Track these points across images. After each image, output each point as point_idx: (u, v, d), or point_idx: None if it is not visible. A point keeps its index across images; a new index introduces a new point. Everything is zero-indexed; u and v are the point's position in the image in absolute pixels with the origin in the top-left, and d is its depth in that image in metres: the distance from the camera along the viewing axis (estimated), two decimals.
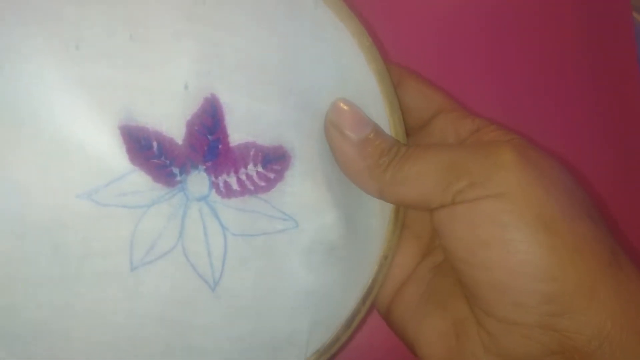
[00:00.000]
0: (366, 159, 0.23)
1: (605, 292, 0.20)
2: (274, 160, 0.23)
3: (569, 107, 0.38)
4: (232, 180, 0.22)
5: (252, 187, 0.23)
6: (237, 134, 0.22)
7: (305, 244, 0.23)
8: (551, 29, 0.38)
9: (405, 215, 0.27)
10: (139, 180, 0.21)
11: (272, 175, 0.23)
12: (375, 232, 0.25)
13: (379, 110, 0.25)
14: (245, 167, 0.23)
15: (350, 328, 0.25)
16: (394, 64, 0.27)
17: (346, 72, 0.24)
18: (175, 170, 0.21)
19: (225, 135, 0.22)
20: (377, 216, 0.25)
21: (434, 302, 0.25)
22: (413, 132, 0.27)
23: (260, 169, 0.23)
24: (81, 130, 0.20)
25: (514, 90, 0.38)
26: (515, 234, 0.21)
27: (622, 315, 0.20)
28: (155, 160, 0.21)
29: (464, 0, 0.38)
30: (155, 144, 0.21)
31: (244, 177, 0.23)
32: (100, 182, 0.20)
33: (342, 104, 0.24)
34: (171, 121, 0.21)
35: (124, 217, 0.20)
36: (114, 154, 0.20)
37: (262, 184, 0.23)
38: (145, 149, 0.21)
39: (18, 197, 0.19)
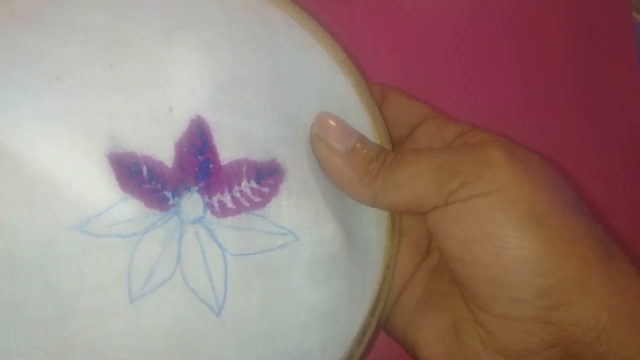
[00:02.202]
0: (355, 168, 0.23)
1: (600, 284, 0.20)
2: (268, 175, 0.23)
3: (569, 107, 0.38)
4: (227, 199, 0.22)
5: (247, 204, 0.22)
6: (227, 152, 0.22)
7: (307, 257, 0.23)
8: (551, 29, 0.39)
9: (400, 223, 0.26)
10: (131, 208, 0.20)
11: (266, 190, 0.23)
12: (374, 241, 0.25)
13: (362, 120, 0.25)
14: (239, 185, 0.22)
15: (362, 343, 0.24)
16: (376, 83, 0.27)
17: (326, 86, 0.24)
18: (168, 194, 0.21)
19: (215, 155, 0.22)
20: (374, 225, 0.25)
21: (432, 304, 0.25)
22: (398, 143, 0.27)
23: (254, 184, 0.22)
24: (67, 162, 0.20)
25: (513, 91, 0.38)
26: (509, 230, 0.21)
27: (617, 307, 0.20)
28: (147, 186, 0.21)
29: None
30: (145, 169, 0.21)
31: (238, 195, 0.22)
32: (91, 213, 0.20)
33: (325, 117, 0.24)
34: (159, 145, 0.21)
35: (118, 247, 0.20)
36: (103, 183, 0.20)
37: (258, 199, 0.22)
38: (135, 174, 0.20)
39: (4, 236, 0.19)
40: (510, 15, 0.38)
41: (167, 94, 0.21)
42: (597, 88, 0.39)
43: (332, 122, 0.24)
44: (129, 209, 0.20)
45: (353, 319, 0.24)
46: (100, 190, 0.20)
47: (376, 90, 0.27)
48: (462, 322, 0.23)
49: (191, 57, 0.22)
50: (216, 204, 0.22)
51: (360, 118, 0.25)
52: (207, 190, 0.22)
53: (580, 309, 0.20)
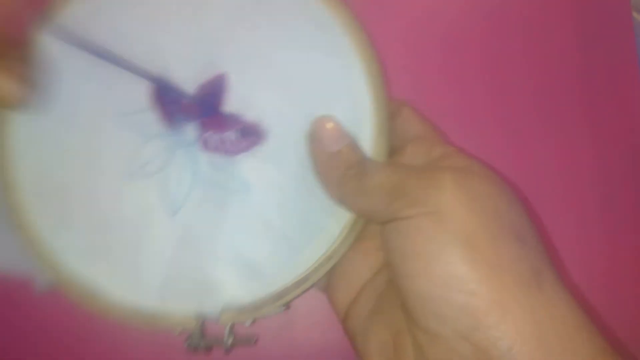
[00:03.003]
0: (335, 169, 0.27)
1: (518, 310, 0.21)
2: (249, 134, 0.28)
3: (569, 107, 0.39)
4: (215, 138, 0.29)
5: (224, 148, 0.28)
6: (230, 106, 0.28)
7: (249, 211, 0.28)
8: (551, 29, 0.39)
9: (363, 229, 0.28)
10: (153, 117, 0.29)
11: (243, 145, 0.28)
12: (327, 232, 0.28)
13: (366, 131, 0.28)
14: (225, 132, 0.29)
15: (277, 302, 0.28)
16: (396, 99, 0.29)
17: (344, 90, 0.28)
18: (179, 117, 0.29)
19: (221, 104, 0.29)
20: (335, 220, 0.28)
21: (380, 314, 0.27)
22: (392, 152, 0.29)
23: (237, 136, 0.28)
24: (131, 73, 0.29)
25: (513, 91, 0.37)
26: (439, 247, 0.22)
27: (532, 335, 0.21)
28: (167, 106, 0.29)
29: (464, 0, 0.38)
30: (172, 94, 0.29)
31: (223, 139, 0.29)
32: (129, 110, 0.29)
33: (325, 119, 0.28)
34: (189, 82, 0.29)
35: (133, 139, 0.29)
36: (143, 94, 0.29)
37: (233, 148, 0.28)
38: (164, 95, 0.29)
39: (75, 99, 0.29)
40: (510, 15, 0.39)
41: (214, 53, 0.29)
42: (597, 88, 0.39)
43: (329, 123, 0.27)
44: (151, 117, 0.29)
45: (275, 281, 0.28)
46: (139, 98, 0.29)
47: (394, 103, 0.30)
48: (401, 336, 0.25)
49: (240, 32, 0.29)
50: (206, 139, 0.29)
51: (365, 128, 0.29)
52: (203, 126, 0.29)
53: (498, 331, 0.21)
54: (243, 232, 0.28)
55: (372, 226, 0.29)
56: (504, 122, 0.38)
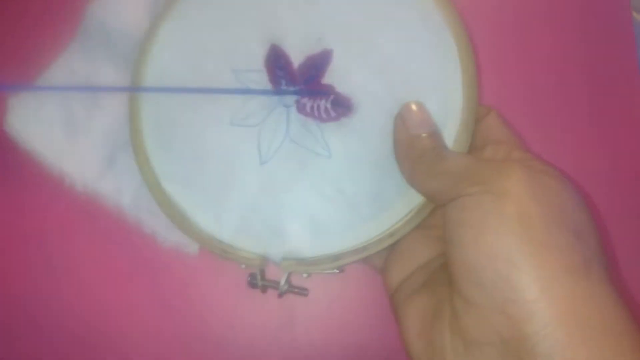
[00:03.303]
0: (413, 150, 0.29)
1: (560, 291, 0.21)
2: (340, 105, 0.31)
3: (569, 107, 0.39)
4: (309, 104, 0.32)
5: (317, 114, 0.32)
6: (329, 77, 0.32)
7: (327, 175, 0.31)
8: (551, 28, 0.39)
9: (429, 218, 0.30)
10: (262, 77, 0.33)
11: (333, 114, 0.32)
12: (394, 211, 0.30)
13: (452, 125, 0.30)
14: (320, 100, 0.32)
15: (332, 263, 0.31)
16: (485, 104, 0.31)
17: (439, 85, 0.30)
18: (284, 81, 0.33)
19: (322, 75, 0.32)
20: (405, 201, 0.30)
21: (427, 287, 0.28)
22: (471, 150, 0.31)
23: (328, 105, 0.32)
24: (251, 38, 0.33)
25: (512, 90, 0.37)
26: (493, 220, 0.23)
27: (570, 318, 0.21)
28: (277, 70, 0.33)
29: None
30: (282, 61, 0.33)
31: (316, 106, 0.32)
32: (245, 67, 0.33)
33: (414, 105, 0.30)
34: (299, 52, 0.33)
35: (241, 95, 0.33)
36: (259, 57, 0.33)
37: (324, 116, 0.32)
38: (275, 60, 0.33)
39: (203, 52, 0.34)
40: (510, 15, 0.39)
41: (327, 29, 0.32)
42: (596, 88, 0.39)
43: (417, 110, 0.30)
44: (261, 77, 0.33)
45: (334, 243, 0.31)
46: (256, 59, 0.33)
47: (484, 108, 0.31)
48: (442, 304, 0.26)
49: (360, 20, 0.32)
50: (301, 103, 0.32)
51: (454, 122, 0.30)
52: (302, 92, 0.32)
53: (536, 307, 0.21)
54: (317, 193, 0.31)
55: (437, 219, 0.31)
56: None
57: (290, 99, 0.32)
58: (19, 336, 0.38)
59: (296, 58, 0.32)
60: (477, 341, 0.23)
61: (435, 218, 0.31)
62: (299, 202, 0.31)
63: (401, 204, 0.30)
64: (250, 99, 0.33)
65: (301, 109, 0.32)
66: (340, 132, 0.31)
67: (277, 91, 0.32)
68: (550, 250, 0.22)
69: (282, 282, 0.33)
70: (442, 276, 0.28)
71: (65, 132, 0.37)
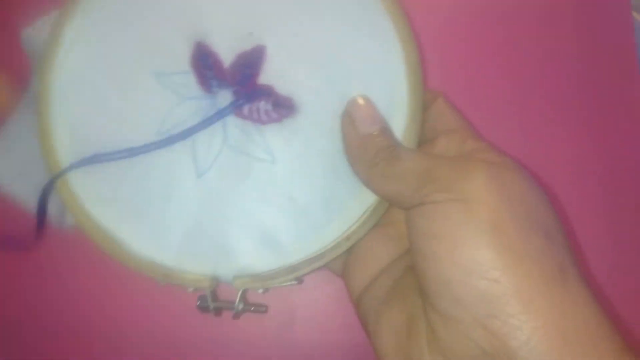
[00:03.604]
0: (366, 151, 0.27)
1: (541, 302, 0.21)
2: (282, 106, 0.29)
3: (569, 108, 0.39)
4: (247, 107, 0.29)
5: (256, 117, 0.29)
6: (265, 77, 0.29)
7: (272, 182, 0.28)
8: (551, 28, 0.39)
9: (385, 216, 0.29)
10: (190, 79, 0.30)
11: (274, 116, 0.29)
12: (348, 213, 0.28)
13: (401, 116, 0.28)
14: (259, 101, 0.29)
15: (289, 275, 0.29)
16: (431, 89, 0.30)
17: (382, 75, 0.29)
18: (214, 82, 0.30)
19: (257, 74, 0.29)
20: (358, 202, 0.28)
21: (396, 297, 0.27)
22: (422, 143, 0.29)
23: (269, 107, 0.29)
24: (173, 36, 0.30)
25: (512, 90, 0.37)
26: (465, 231, 0.22)
27: (553, 328, 0.21)
28: (205, 71, 0.30)
29: None
30: (210, 60, 0.30)
31: (255, 108, 0.29)
32: (168, 70, 0.30)
33: (361, 100, 0.28)
34: (228, 50, 0.29)
35: (169, 99, 0.29)
36: (184, 56, 0.30)
37: (265, 118, 0.29)
38: (201, 59, 0.30)
39: (120, 54, 0.30)
40: (510, 15, 0.39)
41: (257, 23, 0.29)
42: (596, 88, 0.39)
43: (364, 105, 0.28)
44: (188, 79, 0.30)
45: (289, 255, 0.29)
46: (179, 59, 0.30)
47: (429, 93, 0.30)
48: (415, 319, 0.25)
49: (290, 7, 0.29)
50: (238, 105, 0.29)
51: (401, 113, 0.29)
52: (238, 94, 0.29)
53: (519, 321, 0.21)
54: (265, 202, 0.29)
55: (394, 214, 0.29)
56: (503, 122, 0.38)
57: (225, 101, 0.29)
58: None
59: (226, 56, 0.29)
60: (458, 357, 0.22)
61: (392, 214, 0.29)
62: (246, 213, 0.29)
63: (355, 204, 0.29)
64: (178, 104, 0.29)
65: (238, 112, 0.29)
66: (284, 134, 0.29)
67: (218, 114, 0.29)
68: (527, 260, 0.21)
69: (237, 301, 0.30)
70: (410, 283, 0.26)
71: None
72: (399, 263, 0.28)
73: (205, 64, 0.29)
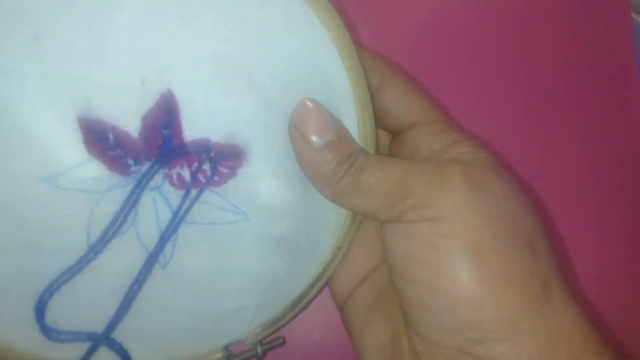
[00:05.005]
0: (324, 165, 0.23)
1: (525, 327, 0.21)
2: (228, 158, 0.24)
3: (568, 107, 0.38)
4: (186, 174, 0.24)
5: (204, 181, 0.24)
6: (192, 130, 0.23)
7: (253, 236, 0.25)
8: (550, 29, 0.38)
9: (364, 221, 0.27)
10: (96, 169, 0.22)
11: (225, 171, 0.24)
12: (331, 225, 0.26)
13: (348, 107, 0.24)
14: (199, 162, 0.23)
15: (296, 308, 0.27)
16: (381, 58, 0.26)
17: (317, 68, 0.24)
18: (130, 161, 0.23)
19: (179, 131, 0.23)
20: (336, 211, 0.26)
21: (380, 311, 0.26)
22: (394, 135, 0.27)
23: (213, 164, 0.24)
24: (42, 121, 0.22)
25: (512, 90, 0.37)
26: (446, 258, 0.21)
27: (538, 353, 0.20)
28: (111, 152, 0.23)
29: None
30: (111, 136, 0.22)
31: (196, 171, 0.24)
32: (61, 169, 0.22)
33: (306, 106, 0.23)
34: (127, 115, 0.22)
35: (82, 201, 0.23)
36: (72, 144, 0.22)
37: (216, 178, 0.24)
38: (102, 140, 0.22)
39: None
40: (509, 15, 0.38)
41: (142, 66, 0.22)
42: (596, 88, 0.38)
43: (312, 112, 0.23)
44: (93, 169, 0.23)
45: (292, 288, 0.27)
46: (69, 150, 0.22)
47: (378, 69, 0.26)
48: (399, 337, 0.24)
49: (172, 27, 0.22)
50: (175, 177, 0.24)
51: (347, 105, 0.25)
52: (168, 163, 0.23)
53: (504, 347, 0.21)
54: (252, 257, 0.25)
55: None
56: (503, 122, 0.37)
57: (156, 178, 0.24)
58: None
59: (129, 122, 0.23)
60: None
61: (368, 221, 0.28)
62: (234, 278, 0.26)
63: (334, 214, 0.27)
64: (97, 203, 0.23)
65: (179, 184, 0.24)
66: (244, 186, 0.24)
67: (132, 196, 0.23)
68: (510, 285, 0.21)
69: (256, 349, 0.29)
70: (393, 299, 0.26)
71: None
72: (382, 270, 0.27)
73: (106, 144, 0.23)
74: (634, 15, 0.39)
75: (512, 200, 0.22)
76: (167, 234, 0.24)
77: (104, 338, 0.24)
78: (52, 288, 0.23)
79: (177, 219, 0.24)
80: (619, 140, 0.39)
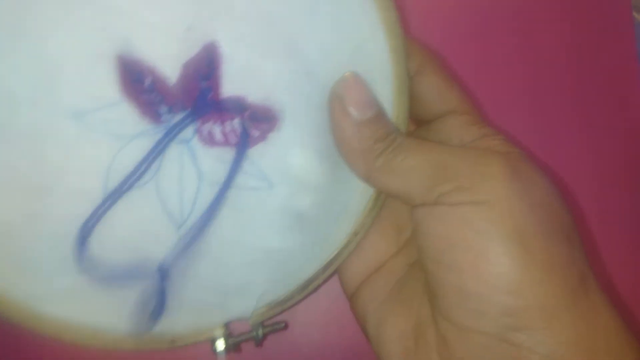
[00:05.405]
0: (362, 141, 0.23)
1: (566, 317, 0.20)
2: (261, 120, 0.23)
3: (569, 107, 0.38)
4: (217, 131, 0.23)
5: (234, 141, 0.23)
6: (230, 86, 0.22)
7: (274, 207, 0.24)
8: (551, 28, 0.38)
9: (386, 201, 0.26)
10: (127, 112, 0.22)
11: (256, 133, 0.23)
12: (351, 209, 0.25)
13: (385, 89, 0.24)
14: (232, 120, 0.23)
15: (305, 290, 0.26)
16: (421, 46, 0.25)
17: (361, 45, 0.23)
18: (163, 109, 0.22)
19: (217, 85, 0.22)
20: (358, 195, 0.25)
21: (401, 301, 0.25)
22: (420, 124, 0.27)
23: (245, 125, 0.23)
24: (80, 52, 0.21)
25: (512, 90, 0.37)
26: (490, 243, 0.21)
27: (576, 343, 0.20)
28: (145, 96, 0.22)
29: None
30: (148, 79, 0.22)
31: (228, 129, 0.23)
32: (90, 107, 0.21)
33: (351, 79, 0.23)
34: (168, 60, 0.22)
35: (105, 144, 0.22)
36: (107, 82, 0.21)
37: (244, 140, 0.23)
38: (138, 82, 0.22)
39: (7, 104, 0.21)
40: (510, 14, 0.38)
41: (191, 12, 0.21)
42: (596, 88, 0.39)
43: (356, 87, 0.23)
44: (124, 112, 0.22)
45: (304, 269, 0.26)
46: (102, 88, 0.21)
47: (417, 55, 0.25)
48: (424, 326, 0.23)
49: None
50: (205, 132, 0.23)
51: (385, 86, 0.24)
52: (202, 117, 0.23)
53: (542, 335, 0.20)
54: (270, 229, 0.24)
55: (391, 201, 0.27)
56: (503, 122, 0.35)
57: (187, 130, 0.23)
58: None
59: (168, 68, 0.22)
60: None
61: (389, 202, 0.27)
62: (248, 250, 0.25)
63: (356, 197, 0.26)
64: (121, 148, 0.22)
65: (209, 140, 0.23)
66: (273, 152, 0.24)
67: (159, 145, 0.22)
68: (553, 273, 0.21)
69: (256, 331, 0.27)
70: (415, 287, 0.25)
71: None
72: (399, 259, 0.27)
73: (142, 87, 0.22)
74: (634, 14, 0.39)
75: (551, 193, 0.22)
76: (189, 192, 0.23)
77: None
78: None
79: (201, 177, 0.23)
80: (619, 139, 0.39)
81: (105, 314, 0.24)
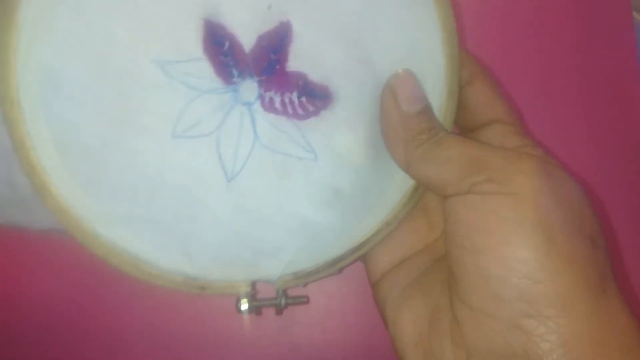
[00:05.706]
0: (407, 131, 0.25)
1: (583, 309, 0.21)
2: (317, 97, 0.26)
3: (569, 107, 0.39)
4: (277, 99, 0.26)
5: (291, 111, 0.26)
6: (295, 62, 0.25)
7: (316, 178, 0.26)
8: (551, 28, 0.39)
9: (422, 197, 0.28)
10: (204, 68, 0.25)
11: (310, 108, 0.26)
12: (387, 199, 0.27)
13: (436, 91, 0.26)
14: (291, 92, 0.25)
15: (331, 268, 0.27)
16: (474, 57, 0.27)
17: (419, 46, 0.26)
18: (235, 72, 0.25)
19: (285, 59, 0.25)
20: (396, 187, 0.27)
21: (420, 288, 0.26)
22: (464, 131, 0.28)
23: (303, 99, 0.26)
24: (174, 11, 0.24)
25: (512, 90, 0.37)
26: (515, 229, 0.22)
27: (590, 336, 0.20)
28: (222, 57, 0.25)
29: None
30: (227, 44, 0.25)
31: (287, 100, 0.26)
32: (173, 58, 0.25)
33: (406, 75, 0.25)
34: (246, 30, 0.25)
35: (181, 93, 0.25)
36: (192, 40, 0.25)
37: (300, 112, 0.26)
38: (218, 45, 0.25)
39: (108, 42, 0.24)
40: (510, 14, 0.38)
41: None
42: (596, 88, 0.39)
43: (409, 82, 0.25)
44: (201, 68, 0.25)
45: (333, 246, 0.27)
46: (187, 43, 0.25)
47: (469, 65, 0.27)
48: (439, 311, 0.24)
49: None
50: (267, 99, 0.26)
51: (435, 92, 0.27)
52: (266, 84, 0.25)
53: (556, 324, 0.21)
54: (308, 200, 0.26)
55: (426, 201, 0.28)
56: None
57: (251, 94, 0.26)
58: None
59: (245, 38, 0.25)
60: (483, 354, 0.22)
61: (424, 202, 0.29)
62: (287, 214, 0.27)
63: (393, 189, 0.28)
64: (193, 99, 0.25)
65: (268, 107, 0.26)
66: (323, 128, 0.26)
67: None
68: (573, 266, 0.21)
69: (279, 298, 0.29)
70: (436, 278, 0.26)
71: None
72: (425, 254, 0.28)
73: (221, 49, 0.25)
74: (634, 14, 0.39)
75: (581, 197, 0.23)
76: (244, 150, 0.26)
77: None
78: None
79: (256, 138, 0.26)
80: (619, 139, 0.39)
81: (150, 248, 0.26)
